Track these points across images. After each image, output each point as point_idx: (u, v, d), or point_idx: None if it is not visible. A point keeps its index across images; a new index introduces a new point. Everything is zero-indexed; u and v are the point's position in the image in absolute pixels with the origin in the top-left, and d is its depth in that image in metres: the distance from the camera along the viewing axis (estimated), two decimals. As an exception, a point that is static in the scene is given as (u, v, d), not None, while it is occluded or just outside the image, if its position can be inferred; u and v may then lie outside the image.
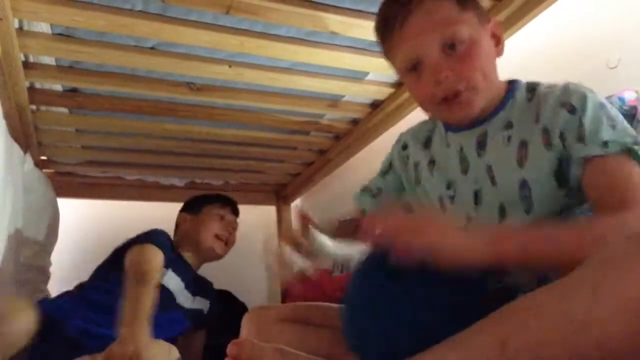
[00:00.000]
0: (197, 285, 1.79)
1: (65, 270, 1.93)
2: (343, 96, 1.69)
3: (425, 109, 0.86)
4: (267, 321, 0.87)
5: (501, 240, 0.66)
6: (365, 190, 1.08)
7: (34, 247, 1.76)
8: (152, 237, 1.56)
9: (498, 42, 0.84)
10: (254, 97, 1.62)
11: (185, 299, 1.70)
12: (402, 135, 1.05)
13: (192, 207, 1.94)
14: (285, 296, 2.32)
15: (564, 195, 0.77)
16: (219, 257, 1.88)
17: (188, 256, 1.82)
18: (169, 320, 1.56)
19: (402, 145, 1.03)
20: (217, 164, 2.19)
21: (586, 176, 0.74)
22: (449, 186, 0.89)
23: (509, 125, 0.83)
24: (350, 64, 1.47)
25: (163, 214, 2.46)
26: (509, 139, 0.82)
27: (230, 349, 0.62)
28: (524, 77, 0.88)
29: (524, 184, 0.78)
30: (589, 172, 0.73)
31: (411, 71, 0.81)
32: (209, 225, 1.85)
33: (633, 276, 0.48)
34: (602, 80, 1.12)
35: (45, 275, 1.81)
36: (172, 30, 1.25)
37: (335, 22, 1.25)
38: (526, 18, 1.20)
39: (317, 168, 2.23)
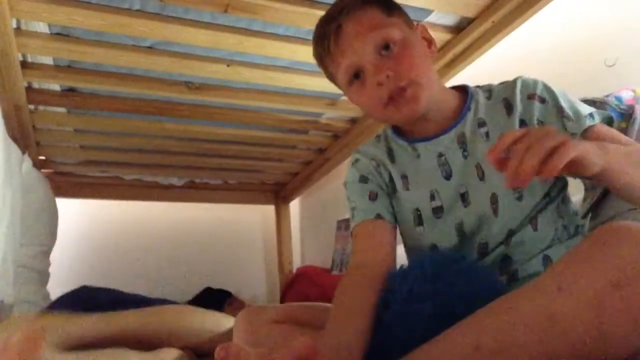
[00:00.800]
0: None
1: (65, 270, 1.93)
2: (341, 95, 1.69)
3: (375, 115, 0.86)
4: (262, 322, 0.86)
5: (609, 151, 0.65)
6: (355, 208, 0.93)
7: (33, 248, 1.76)
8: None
9: (430, 44, 0.87)
10: (253, 96, 1.62)
11: None
12: (360, 148, 0.96)
13: None
14: (285, 294, 2.32)
15: (540, 183, 0.80)
16: None
17: None
18: None
19: (370, 156, 0.93)
20: (216, 163, 2.19)
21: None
22: (432, 197, 0.86)
23: (482, 123, 0.85)
24: (348, 63, 1.46)
25: (162, 214, 2.47)
26: (487, 134, 0.84)
27: (218, 353, 0.62)
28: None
29: None
30: (594, 139, 0.75)
31: (354, 81, 0.83)
32: None
33: (594, 272, 0.51)
34: (599, 78, 1.12)
35: (44, 275, 1.81)
36: (170, 30, 1.25)
37: (333, 20, 1.25)
38: (523, 17, 1.20)
39: (316, 167, 2.24)
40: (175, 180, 2.40)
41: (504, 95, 0.85)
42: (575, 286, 0.52)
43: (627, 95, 1.04)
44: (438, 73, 1.41)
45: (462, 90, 0.90)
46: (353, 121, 1.87)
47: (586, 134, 0.77)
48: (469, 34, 1.31)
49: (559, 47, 1.26)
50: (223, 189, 2.50)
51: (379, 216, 0.89)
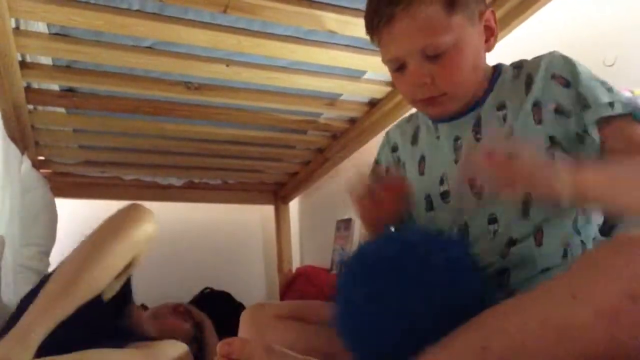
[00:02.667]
0: None
1: (64, 270, 1.93)
2: (340, 95, 1.70)
3: (407, 101, 0.89)
4: (264, 319, 0.87)
5: (584, 173, 0.66)
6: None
7: (32, 248, 1.75)
8: None
9: (491, 34, 0.84)
10: (252, 96, 1.62)
11: None
12: (389, 134, 1.03)
13: None
14: (284, 294, 2.32)
15: None
16: None
17: None
18: None
19: (392, 146, 1.00)
20: (215, 163, 2.19)
21: (606, 138, 0.73)
22: (442, 181, 0.87)
23: (501, 106, 0.82)
24: (347, 63, 1.47)
25: (161, 214, 2.47)
26: (504, 118, 0.81)
27: (221, 347, 0.62)
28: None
29: None
30: (608, 134, 0.73)
31: (396, 70, 0.83)
32: None
33: (611, 283, 0.50)
34: (598, 78, 1.12)
35: (43, 276, 1.81)
36: (169, 30, 1.25)
37: (332, 20, 1.25)
38: (522, 16, 1.20)
39: (315, 167, 2.24)
40: (174, 181, 2.40)
41: (528, 71, 0.81)
42: (590, 295, 0.50)
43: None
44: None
45: (495, 69, 0.87)
46: (352, 121, 1.87)
47: (601, 126, 0.73)
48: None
49: (558, 47, 1.26)
50: (222, 189, 2.50)
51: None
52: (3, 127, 1.53)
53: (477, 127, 0.84)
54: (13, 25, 1.20)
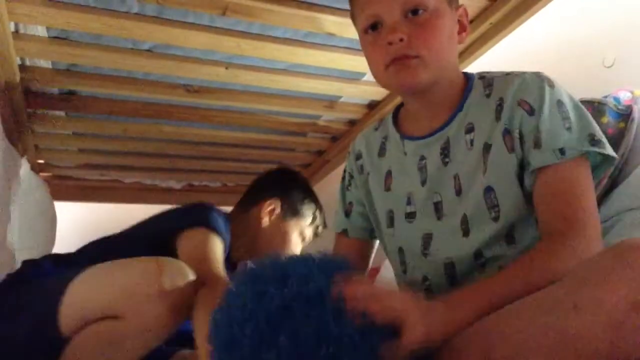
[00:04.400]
0: None
1: (63, 273, 1.93)
2: (340, 97, 1.70)
3: (375, 73, 0.83)
4: None
5: (457, 309, 0.62)
6: (336, 214, 1.03)
7: (31, 252, 1.75)
8: None
9: (463, 29, 0.83)
10: (251, 99, 1.62)
11: None
12: (354, 142, 1.00)
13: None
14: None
15: (527, 201, 0.76)
16: None
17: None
18: None
19: (356, 154, 0.97)
20: (215, 166, 2.19)
21: (536, 187, 0.73)
22: (408, 201, 0.85)
23: (470, 129, 0.80)
24: (347, 65, 1.47)
25: (161, 217, 2.47)
26: (471, 142, 0.79)
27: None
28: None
29: (488, 190, 0.76)
30: (538, 184, 0.73)
31: (371, 31, 0.80)
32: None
33: (613, 291, 0.49)
34: (598, 78, 1.12)
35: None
36: (168, 33, 1.25)
37: (331, 23, 1.25)
38: (521, 18, 1.20)
39: (315, 169, 2.23)
40: (174, 183, 2.39)
41: (501, 94, 0.79)
42: (592, 305, 0.50)
43: (625, 96, 1.04)
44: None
45: (466, 80, 0.85)
46: (351, 123, 1.87)
47: (538, 174, 0.73)
48: (467, 35, 1.31)
49: (557, 48, 1.27)
50: (222, 191, 2.50)
51: (344, 232, 0.98)
52: (2, 130, 1.53)
53: (445, 150, 0.82)
54: (12, 29, 1.20)
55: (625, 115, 1.03)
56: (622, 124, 1.03)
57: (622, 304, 0.48)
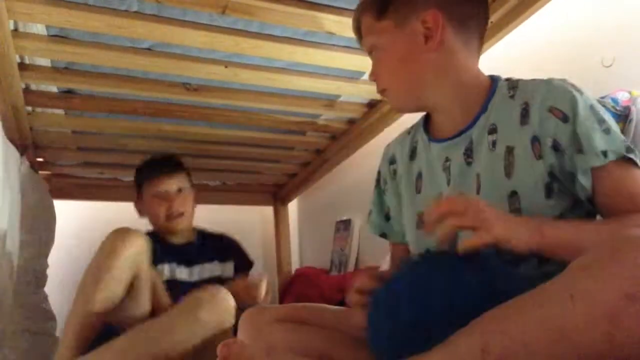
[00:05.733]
0: (198, 252, 1.76)
1: (62, 272, 1.93)
2: (339, 96, 1.70)
3: None
4: (264, 322, 0.87)
5: (542, 231, 0.68)
6: (371, 214, 1.04)
7: (31, 250, 1.75)
8: None
9: (427, 38, 0.83)
10: (250, 98, 1.62)
11: (183, 274, 1.71)
12: (388, 147, 1.03)
13: (137, 188, 1.77)
14: (283, 295, 2.32)
15: (551, 207, 0.76)
16: (183, 229, 1.76)
17: (168, 236, 1.74)
18: None
19: (390, 158, 1.01)
20: (214, 164, 2.19)
21: (596, 187, 0.73)
22: None
23: (492, 130, 0.81)
24: (346, 64, 1.47)
25: (160, 215, 2.47)
26: (494, 144, 0.80)
27: (220, 350, 0.62)
28: (519, 76, 0.87)
29: (513, 195, 0.77)
30: (597, 183, 0.73)
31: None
32: (152, 211, 1.71)
33: (608, 283, 0.50)
34: (596, 79, 1.12)
35: (42, 277, 1.81)
36: (167, 31, 1.25)
37: (331, 22, 1.25)
38: (521, 18, 1.20)
39: (314, 168, 2.24)
40: (173, 182, 2.39)
41: (525, 99, 0.79)
42: (588, 296, 0.50)
43: (623, 97, 1.04)
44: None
45: (492, 82, 0.86)
46: (351, 122, 1.87)
47: (593, 175, 0.73)
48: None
49: (556, 48, 1.27)
50: (221, 190, 2.50)
51: (384, 235, 1.03)
52: (2, 128, 1.53)
53: (468, 151, 0.83)
54: (11, 27, 1.20)
55: (623, 116, 1.03)
56: (620, 125, 1.03)
57: (618, 295, 0.48)
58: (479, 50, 0.88)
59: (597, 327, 0.49)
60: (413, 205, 0.91)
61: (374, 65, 0.90)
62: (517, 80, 0.83)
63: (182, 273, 1.71)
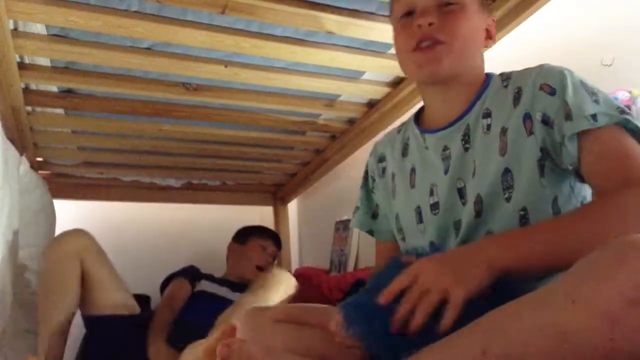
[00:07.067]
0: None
1: (62, 271, 1.93)
2: (339, 96, 1.70)
3: (402, 59, 0.89)
4: (263, 322, 0.86)
5: (489, 257, 0.67)
6: (358, 211, 1.05)
7: (31, 249, 1.75)
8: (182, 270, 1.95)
9: (490, 37, 0.89)
10: (250, 97, 1.62)
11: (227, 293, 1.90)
12: (377, 145, 1.03)
13: (239, 237, 2.15)
14: (283, 296, 2.32)
15: (543, 185, 0.77)
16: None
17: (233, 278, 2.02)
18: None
19: (379, 157, 1.01)
20: (214, 164, 2.19)
21: (582, 152, 0.73)
22: (431, 192, 0.87)
23: (487, 114, 0.83)
24: (346, 64, 1.47)
25: (159, 215, 2.47)
26: (488, 127, 0.82)
27: (220, 350, 0.62)
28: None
29: (506, 172, 0.78)
30: (584, 148, 0.72)
31: (404, 18, 0.86)
32: (251, 256, 2.06)
33: (610, 287, 0.49)
34: (596, 78, 1.12)
35: (41, 277, 1.80)
36: (167, 31, 1.25)
37: (331, 21, 1.25)
38: (521, 17, 1.20)
39: (314, 168, 2.23)
40: (173, 182, 2.39)
41: (519, 83, 0.81)
42: (589, 301, 0.50)
43: (623, 96, 1.04)
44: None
45: (486, 76, 0.89)
46: (351, 122, 1.87)
47: (580, 140, 0.72)
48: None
49: (556, 47, 1.27)
50: (221, 190, 2.50)
51: (370, 232, 1.03)
52: (1, 128, 1.53)
53: (466, 137, 0.84)
54: (11, 26, 1.20)
55: (623, 114, 1.03)
56: (620, 124, 1.03)
57: (619, 299, 0.48)
58: None
59: (598, 331, 0.48)
60: (410, 200, 0.92)
61: (444, 16, 0.82)
62: (510, 72, 0.86)
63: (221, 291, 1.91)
